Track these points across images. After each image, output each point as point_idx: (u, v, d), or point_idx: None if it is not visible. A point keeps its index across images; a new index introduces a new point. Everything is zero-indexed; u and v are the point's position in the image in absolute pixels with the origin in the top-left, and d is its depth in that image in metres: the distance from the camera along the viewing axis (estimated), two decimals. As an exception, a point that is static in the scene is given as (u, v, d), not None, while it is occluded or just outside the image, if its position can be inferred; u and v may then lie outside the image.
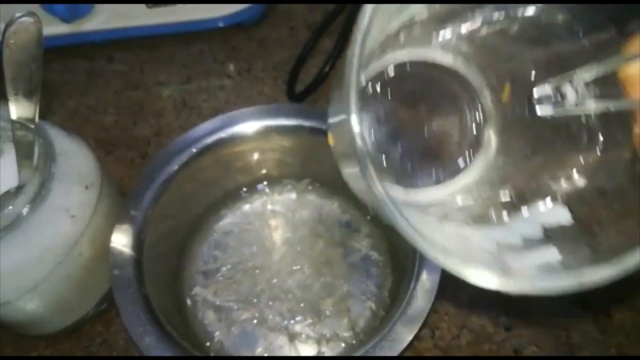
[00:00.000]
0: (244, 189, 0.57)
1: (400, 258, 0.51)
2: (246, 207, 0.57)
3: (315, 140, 0.52)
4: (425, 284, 0.43)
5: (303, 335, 0.50)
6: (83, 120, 0.67)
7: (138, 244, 0.45)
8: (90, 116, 0.67)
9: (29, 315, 0.45)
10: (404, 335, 0.41)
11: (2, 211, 0.39)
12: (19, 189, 0.44)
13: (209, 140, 0.50)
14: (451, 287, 0.53)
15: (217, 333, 0.50)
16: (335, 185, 0.56)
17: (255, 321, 0.51)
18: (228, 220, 0.56)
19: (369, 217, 0.55)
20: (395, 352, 0.40)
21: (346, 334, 0.50)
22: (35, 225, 0.40)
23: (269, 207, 0.57)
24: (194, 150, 0.50)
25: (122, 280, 0.43)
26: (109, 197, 0.48)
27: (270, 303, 0.52)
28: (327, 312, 0.51)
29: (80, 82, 0.70)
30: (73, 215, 0.43)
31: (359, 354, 0.41)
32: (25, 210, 0.39)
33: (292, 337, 0.50)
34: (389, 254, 0.53)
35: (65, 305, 0.48)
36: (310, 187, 0.57)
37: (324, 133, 0.50)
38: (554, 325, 0.51)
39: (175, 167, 0.49)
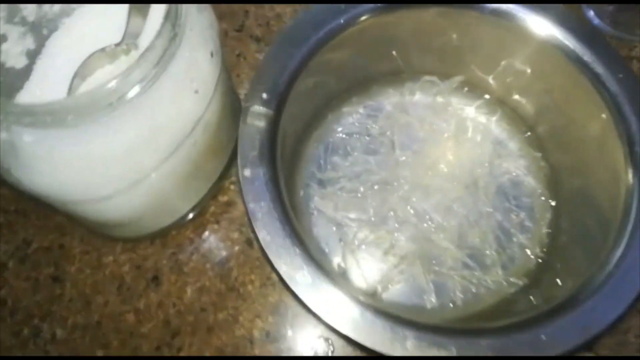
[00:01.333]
0: (376, 83, 0.46)
1: (574, 194, 0.42)
2: (375, 104, 0.46)
3: (489, 26, 0.40)
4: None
5: (443, 269, 0.41)
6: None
7: (271, 135, 0.35)
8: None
9: (126, 213, 0.36)
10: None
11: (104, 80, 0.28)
12: (124, 44, 0.33)
13: (359, 9, 0.38)
14: None
15: (338, 257, 0.41)
16: (491, 92, 0.45)
17: (384, 246, 0.42)
18: (351, 119, 0.46)
19: (527, 135, 0.45)
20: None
21: (498, 271, 0.41)
22: (155, 97, 0.29)
23: (404, 108, 0.46)
24: (342, 20, 0.38)
25: (254, 183, 0.33)
26: (225, 73, 0.37)
27: (402, 227, 0.42)
28: (472, 244, 0.42)
29: None
30: (196, 91, 0.32)
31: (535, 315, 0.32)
32: (147, 77, 0.28)
33: (429, 270, 0.41)
34: (549, 182, 0.43)
35: (165, 205, 0.38)
36: (457, 89, 0.45)
37: (502, 17, 0.39)
38: None
39: (319, 37, 0.37)
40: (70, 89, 0.33)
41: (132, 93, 0.28)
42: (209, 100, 0.34)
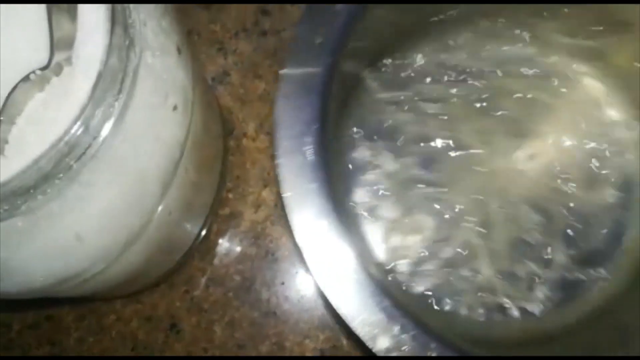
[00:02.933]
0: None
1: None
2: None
3: None
4: None
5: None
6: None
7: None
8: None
9: (122, 277, 0.28)
10: None
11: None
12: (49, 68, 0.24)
13: None
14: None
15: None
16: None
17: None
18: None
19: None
20: None
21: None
22: (128, 134, 0.21)
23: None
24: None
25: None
26: (196, 64, 0.29)
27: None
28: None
29: None
30: (175, 107, 0.24)
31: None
32: (114, 108, 0.19)
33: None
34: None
35: (168, 248, 0.30)
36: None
37: None
38: None
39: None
40: (-1, 140, 0.24)
41: (104, 132, 0.19)
42: (191, 112, 0.25)
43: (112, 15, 0.19)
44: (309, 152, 0.25)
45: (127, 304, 0.36)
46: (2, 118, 0.25)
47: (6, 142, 0.24)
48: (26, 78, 0.25)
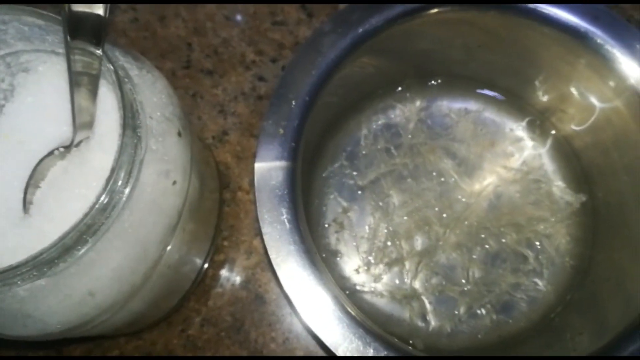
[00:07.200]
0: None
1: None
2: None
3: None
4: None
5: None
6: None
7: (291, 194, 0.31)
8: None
9: (126, 321, 0.32)
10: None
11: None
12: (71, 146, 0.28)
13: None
14: None
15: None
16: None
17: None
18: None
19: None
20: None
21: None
22: (135, 208, 0.25)
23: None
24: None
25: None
26: (196, 140, 0.33)
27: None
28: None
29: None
30: (175, 182, 0.28)
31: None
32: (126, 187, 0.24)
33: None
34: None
35: (166, 294, 0.35)
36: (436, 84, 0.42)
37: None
38: None
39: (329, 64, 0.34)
40: (25, 203, 0.29)
41: (115, 212, 0.24)
42: (189, 183, 0.30)
43: (124, 121, 0.23)
44: (286, 220, 0.30)
45: (130, 340, 0.40)
46: (30, 183, 0.30)
47: (31, 203, 0.29)
48: (51, 153, 0.30)
